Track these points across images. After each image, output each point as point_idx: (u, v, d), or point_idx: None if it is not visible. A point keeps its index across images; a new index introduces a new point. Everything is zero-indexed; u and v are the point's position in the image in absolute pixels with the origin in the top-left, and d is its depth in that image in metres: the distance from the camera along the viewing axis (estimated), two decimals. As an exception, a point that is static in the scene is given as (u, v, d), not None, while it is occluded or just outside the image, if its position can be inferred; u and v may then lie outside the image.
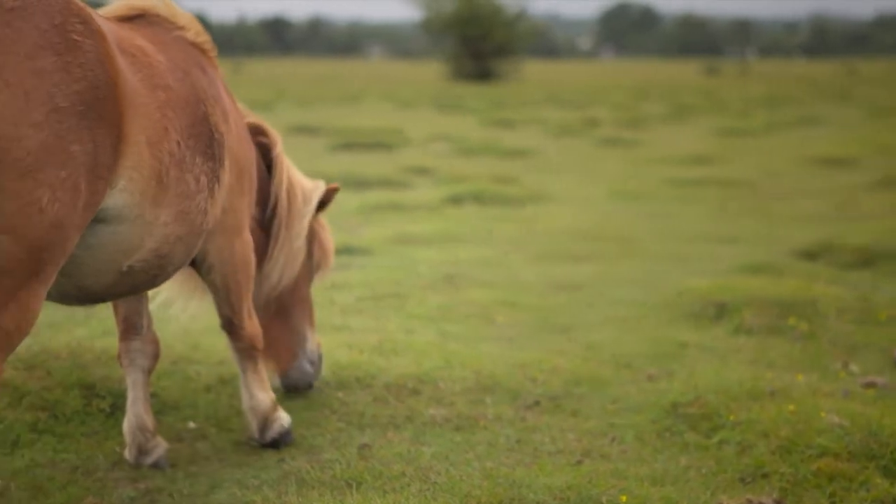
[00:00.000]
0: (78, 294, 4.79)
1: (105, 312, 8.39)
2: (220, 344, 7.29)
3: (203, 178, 4.97)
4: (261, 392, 5.87)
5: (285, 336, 6.61)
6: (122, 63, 4.45)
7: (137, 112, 4.50)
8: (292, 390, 6.65)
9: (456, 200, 15.83)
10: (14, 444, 5.69)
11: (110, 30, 4.59)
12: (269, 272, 6.37)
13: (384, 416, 6.40)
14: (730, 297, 8.82)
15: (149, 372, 5.70)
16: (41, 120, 4.02)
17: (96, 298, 4.96)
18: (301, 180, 6.56)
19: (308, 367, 6.66)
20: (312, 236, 6.70)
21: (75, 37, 4.18)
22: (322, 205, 6.68)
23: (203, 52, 5.53)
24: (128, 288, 4.92)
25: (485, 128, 30.69)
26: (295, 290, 6.61)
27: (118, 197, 4.46)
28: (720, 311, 8.71)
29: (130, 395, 5.64)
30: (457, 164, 21.01)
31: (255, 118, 6.35)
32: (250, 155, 5.76)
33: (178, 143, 4.78)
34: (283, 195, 6.36)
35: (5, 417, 5.81)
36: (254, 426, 5.88)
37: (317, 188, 6.62)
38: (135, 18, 5.36)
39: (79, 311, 8.32)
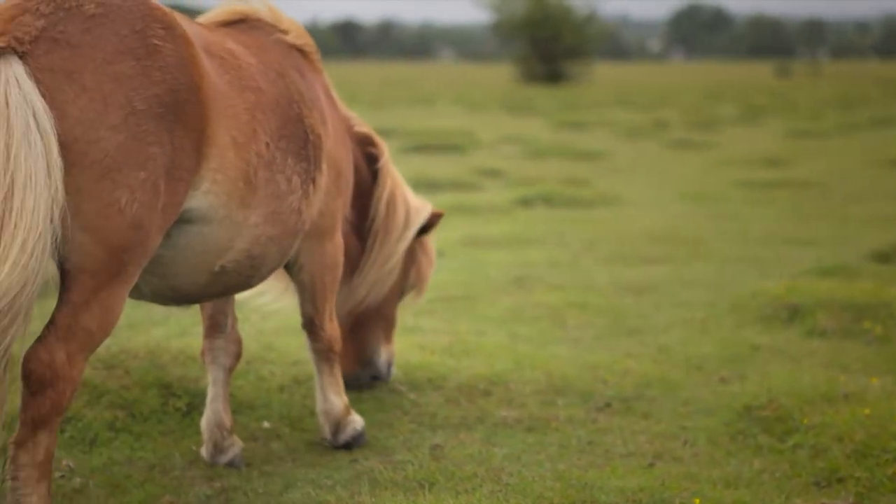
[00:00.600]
0: (173, 295, 4.85)
1: (182, 312, 8.49)
2: (294, 344, 7.36)
3: (295, 179, 5.00)
4: (335, 396, 5.89)
5: (353, 347, 6.66)
6: (207, 66, 4.50)
7: (223, 114, 4.54)
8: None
9: (526, 202, 15.81)
10: (92, 442, 5.78)
11: (197, 34, 4.65)
12: (357, 287, 6.38)
13: (456, 417, 6.42)
14: (803, 299, 8.74)
15: (230, 370, 5.75)
16: (118, 123, 4.09)
17: (191, 299, 5.03)
18: (407, 198, 6.50)
19: (365, 378, 6.72)
20: (411, 259, 6.66)
21: (156, 41, 4.25)
22: (424, 229, 6.61)
23: (304, 55, 5.59)
24: (221, 288, 4.97)
25: (555, 130, 30.63)
26: (378, 307, 6.62)
27: (202, 198, 4.51)
28: (793, 314, 8.64)
29: (210, 392, 5.70)
30: (527, 166, 21.00)
31: (365, 128, 6.36)
32: (348, 158, 5.79)
33: (268, 144, 4.81)
34: (383, 210, 6.35)
35: (84, 416, 5.89)
36: (327, 429, 5.91)
37: (421, 210, 6.55)
38: (236, 23, 5.45)
39: (157, 312, 8.43)
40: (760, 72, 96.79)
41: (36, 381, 4.11)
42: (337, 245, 5.70)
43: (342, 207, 5.73)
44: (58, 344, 4.13)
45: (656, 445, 6.02)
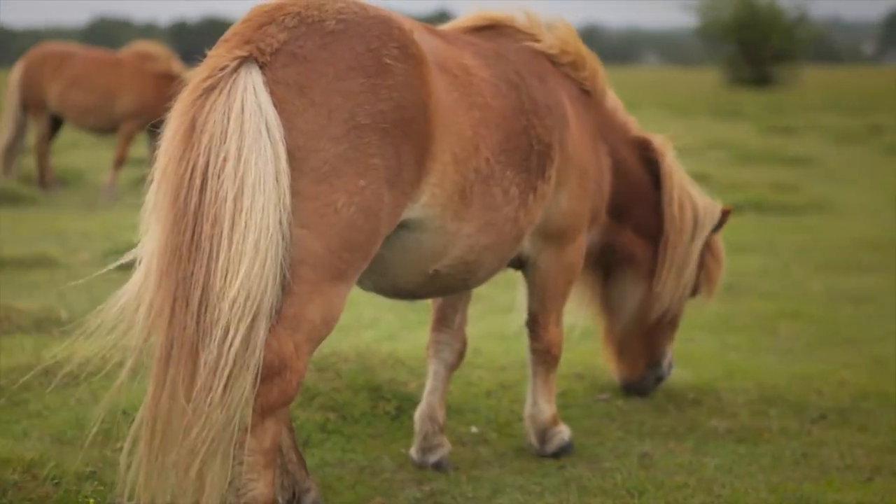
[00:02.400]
0: (394, 291, 5.04)
1: (390, 316, 8.62)
2: (501, 350, 7.39)
3: (513, 190, 5.04)
4: (544, 402, 5.88)
5: (646, 351, 6.67)
6: (437, 84, 4.61)
7: (448, 131, 4.64)
8: (628, 392, 6.76)
9: (735, 209, 15.48)
10: (305, 443, 5.89)
11: (434, 49, 4.75)
12: (661, 294, 6.37)
13: (664, 425, 6.34)
14: None
15: (451, 367, 5.79)
16: (340, 135, 4.24)
17: (410, 296, 5.19)
18: (695, 198, 6.43)
19: (650, 380, 6.71)
20: (699, 260, 6.57)
21: (388, 60, 4.38)
22: (715, 228, 6.52)
23: (553, 62, 5.64)
24: (438, 288, 5.10)
25: (763, 135, 29.95)
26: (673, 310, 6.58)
27: (420, 210, 4.62)
28: None
29: (428, 385, 5.76)
30: (735, 171, 20.59)
31: (640, 132, 6.33)
32: (596, 161, 5.79)
33: (488, 159, 4.88)
34: (670, 213, 6.30)
35: (297, 417, 6.02)
36: (532, 436, 5.91)
37: (710, 209, 6.47)
38: (485, 28, 5.54)
39: (366, 315, 8.58)
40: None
41: (265, 368, 4.19)
42: (577, 248, 5.71)
43: (589, 210, 5.72)
44: (285, 333, 4.24)
45: (874, 459, 5.83)
